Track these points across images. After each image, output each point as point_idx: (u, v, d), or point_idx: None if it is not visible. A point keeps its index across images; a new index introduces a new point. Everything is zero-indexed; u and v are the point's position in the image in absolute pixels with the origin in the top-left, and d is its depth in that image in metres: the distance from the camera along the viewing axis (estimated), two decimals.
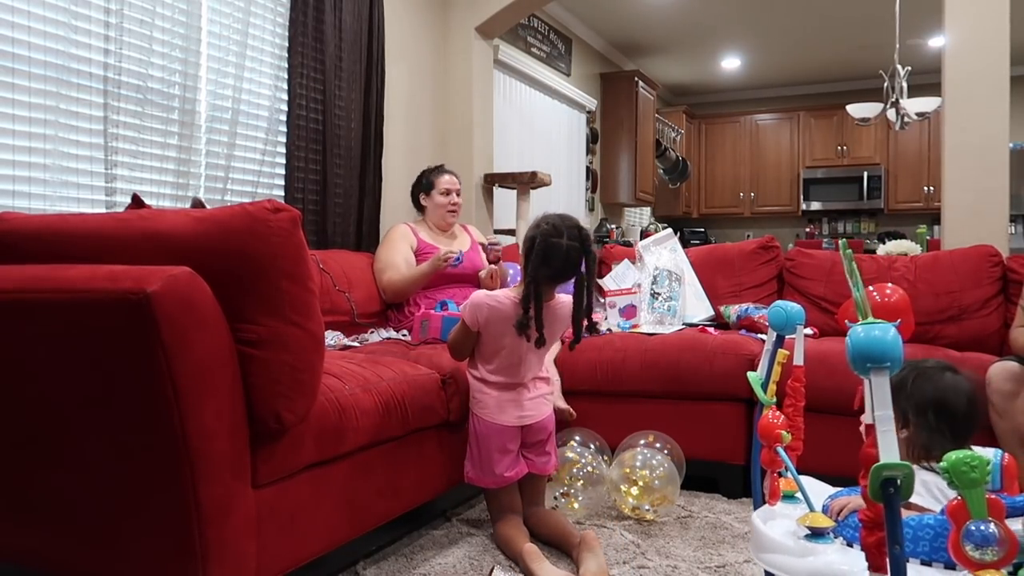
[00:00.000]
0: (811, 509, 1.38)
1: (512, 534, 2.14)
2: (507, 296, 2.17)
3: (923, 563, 1.21)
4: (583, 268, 2.10)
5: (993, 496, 1.07)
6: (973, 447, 1.47)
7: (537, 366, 2.28)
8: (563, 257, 2.06)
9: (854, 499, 1.40)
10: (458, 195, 3.27)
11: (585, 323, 2.18)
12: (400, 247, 3.15)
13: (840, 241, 1.29)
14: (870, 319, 1.07)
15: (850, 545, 1.31)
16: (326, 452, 1.77)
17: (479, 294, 2.20)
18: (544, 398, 2.30)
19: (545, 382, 2.33)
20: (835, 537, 1.33)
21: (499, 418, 2.21)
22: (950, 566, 1.17)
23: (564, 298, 2.22)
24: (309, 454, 1.71)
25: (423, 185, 3.30)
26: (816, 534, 1.32)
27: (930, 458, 1.47)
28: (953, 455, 1.05)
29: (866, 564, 1.03)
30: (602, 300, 3.36)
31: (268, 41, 3.15)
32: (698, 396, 2.76)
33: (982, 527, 1.04)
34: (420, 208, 3.34)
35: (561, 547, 2.18)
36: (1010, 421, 2.24)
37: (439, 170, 3.32)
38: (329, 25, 3.29)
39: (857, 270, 1.14)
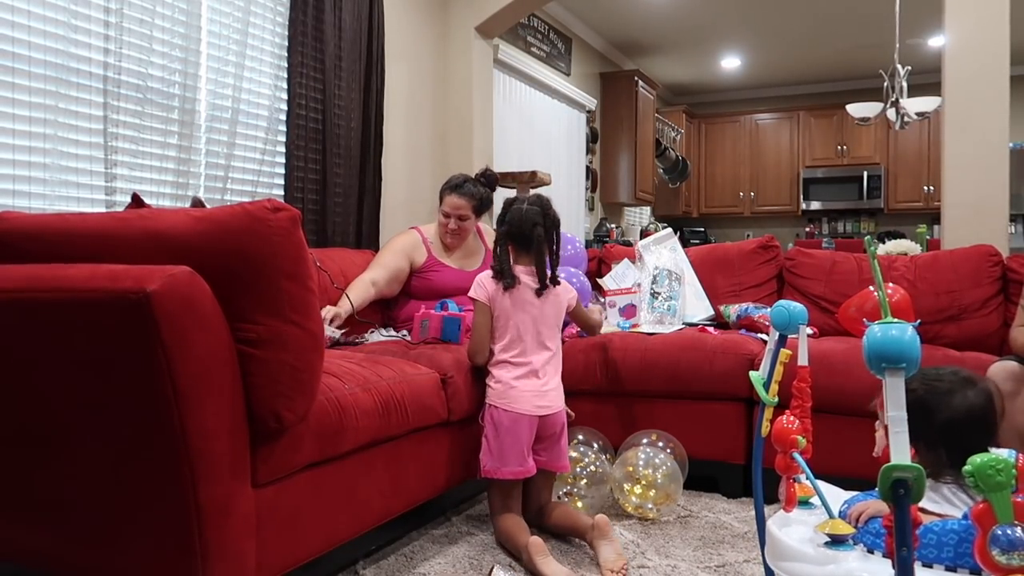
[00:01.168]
0: (830, 516, 1.36)
1: (514, 529, 2.15)
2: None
3: (948, 569, 1.18)
4: (543, 229, 2.36)
5: (1020, 500, 1.05)
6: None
7: (550, 337, 2.36)
8: (520, 216, 2.35)
9: (873, 504, 1.36)
10: (461, 219, 2.96)
11: (549, 274, 2.38)
12: (395, 255, 2.97)
13: (865, 239, 1.27)
14: (888, 319, 1.05)
15: (871, 552, 1.28)
16: (326, 451, 1.77)
17: (478, 276, 2.41)
18: (558, 391, 2.35)
19: (558, 379, 2.37)
20: (855, 544, 1.30)
21: (517, 406, 2.24)
22: (975, 572, 1.15)
23: (562, 284, 2.42)
24: (309, 453, 1.71)
25: (439, 196, 3.04)
26: (836, 541, 1.30)
27: (937, 478, 1.40)
28: (978, 458, 1.04)
29: (892, 572, 1.01)
30: (602, 300, 3.35)
31: (268, 41, 3.15)
32: (698, 396, 2.76)
33: (1009, 531, 1.03)
34: None
35: (573, 535, 2.23)
36: (1010, 421, 2.23)
37: (450, 187, 2.99)
38: (329, 25, 3.29)
39: (879, 270, 1.13)
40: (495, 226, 2.43)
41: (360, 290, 2.82)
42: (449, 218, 2.97)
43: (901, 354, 0.99)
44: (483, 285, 2.36)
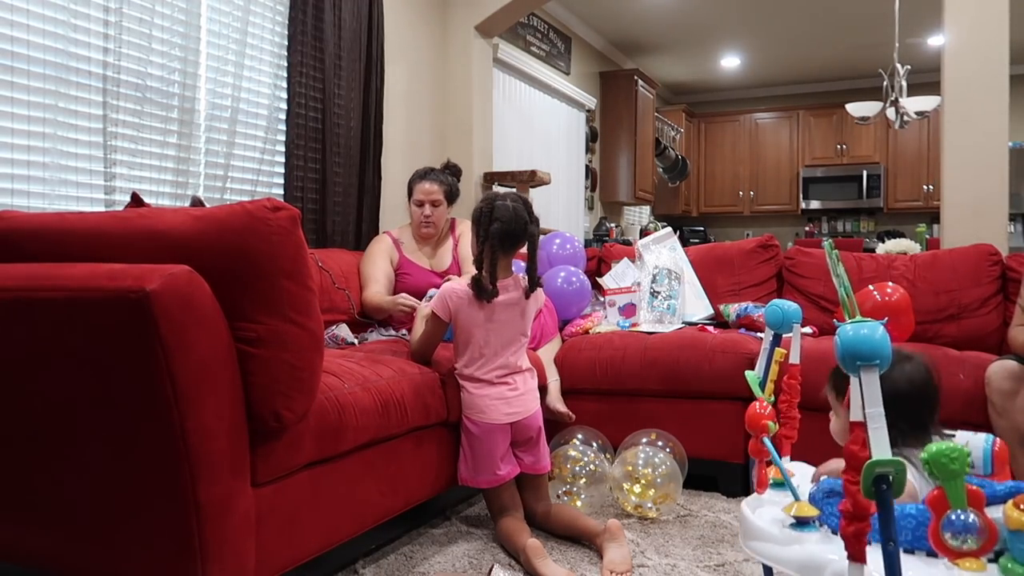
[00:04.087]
0: (796, 498, 1.41)
1: (513, 530, 2.14)
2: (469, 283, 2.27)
3: (905, 551, 1.21)
4: (535, 227, 2.25)
5: (973, 487, 1.11)
6: (962, 432, 1.48)
7: (516, 354, 2.28)
8: (511, 213, 2.20)
9: (831, 463, 1.44)
10: (435, 205, 2.97)
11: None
12: (379, 262, 3.01)
13: (825, 243, 1.31)
14: (858, 318, 1.08)
15: (835, 532, 1.31)
16: (325, 451, 1.77)
17: (447, 285, 2.30)
18: (532, 394, 2.31)
19: (532, 376, 2.34)
20: (820, 525, 1.35)
21: (487, 417, 2.22)
22: (932, 554, 1.18)
23: (538, 292, 2.33)
24: (308, 453, 1.71)
25: (408, 189, 3.07)
26: (801, 523, 1.34)
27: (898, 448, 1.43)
28: (934, 447, 1.11)
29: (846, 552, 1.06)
30: (601, 299, 3.35)
31: (267, 40, 3.15)
32: (698, 395, 2.76)
33: (961, 516, 1.10)
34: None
35: (580, 539, 2.21)
36: (1009, 420, 2.24)
37: (418, 175, 3.03)
38: (328, 24, 3.29)
39: (844, 270, 1.17)
40: (475, 223, 2.26)
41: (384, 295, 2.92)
42: (423, 205, 2.99)
43: (874, 352, 1.02)
44: (446, 300, 2.23)
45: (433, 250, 3.11)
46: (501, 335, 2.25)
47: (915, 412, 1.43)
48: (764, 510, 1.45)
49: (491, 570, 1.95)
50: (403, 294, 2.83)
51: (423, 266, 3.04)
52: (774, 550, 1.32)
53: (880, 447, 0.99)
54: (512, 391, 2.26)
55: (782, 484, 1.53)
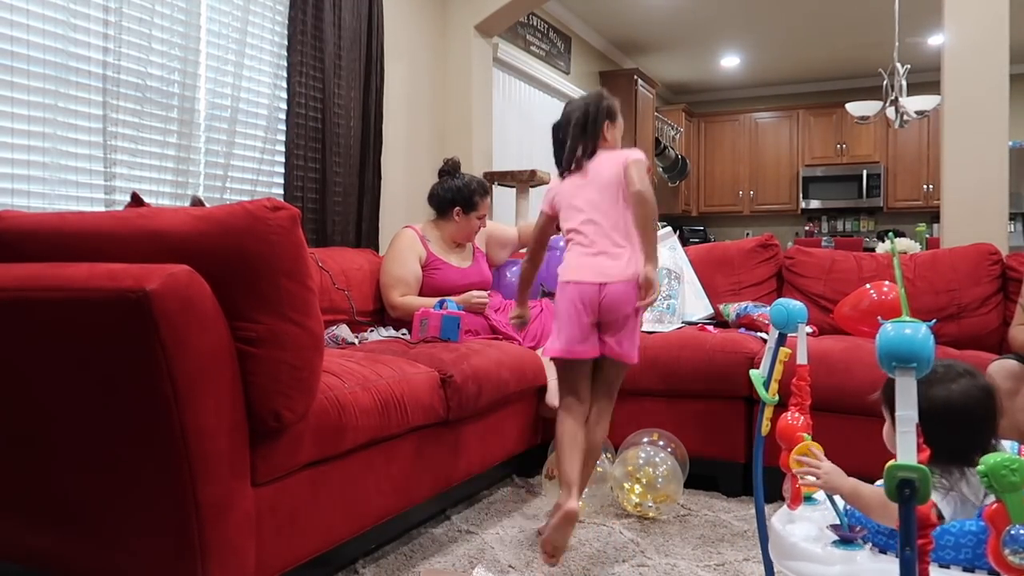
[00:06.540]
0: (838, 515, 1.35)
1: (567, 450, 2.08)
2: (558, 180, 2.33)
3: (965, 570, 1.17)
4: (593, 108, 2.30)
5: None
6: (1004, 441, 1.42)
7: (609, 205, 2.21)
8: (582, 109, 2.29)
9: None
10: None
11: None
12: (409, 261, 3.02)
13: (891, 247, 1.27)
14: (904, 317, 1.03)
15: (883, 552, 1.26)
16: (325, 450, 1.77)
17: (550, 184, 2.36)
18: (626, 268, 2.16)
19: (631, 255, 2.19)
20: (865, 543, 1.29)
21: (575, 276, 2.16)
22: (994, 573, 1.13)
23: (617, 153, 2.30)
24: (308, 452, 1.71)
25: (465, 200, 3.07)
26: (845, 540, 1.29)
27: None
28: (991, 458, 1.02)
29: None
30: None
31: (267, 39, 3.15)
32: (697, 394, 2.76)
33: (1023, 532, 1.02)
34: (444, 214, 3.11)
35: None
36: (1010, 419, 2.24)
37: (485, 192, 3.12)
38: (328, 23, 3.29)
39: (900, 271, 1.12)
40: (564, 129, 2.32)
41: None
42: (483, 219, 3.13)
43: (912, 353, 0.97)
44: (547, 194, 2.33)
45: (458, 252, 3.18)
46: (584, 197, 2.23)
47: (949, 437, 1.30)
48: (796, 526, 1.38)
49: (474, 571, 1.96)
50: (473, 291, 2.97)
51: (451, 263, 3.10)
52: (816, 570, 1.25)
53: (907, 452, 0.95)
54: (605, 258, 2.16)
55: (812, 498, 1.50)
